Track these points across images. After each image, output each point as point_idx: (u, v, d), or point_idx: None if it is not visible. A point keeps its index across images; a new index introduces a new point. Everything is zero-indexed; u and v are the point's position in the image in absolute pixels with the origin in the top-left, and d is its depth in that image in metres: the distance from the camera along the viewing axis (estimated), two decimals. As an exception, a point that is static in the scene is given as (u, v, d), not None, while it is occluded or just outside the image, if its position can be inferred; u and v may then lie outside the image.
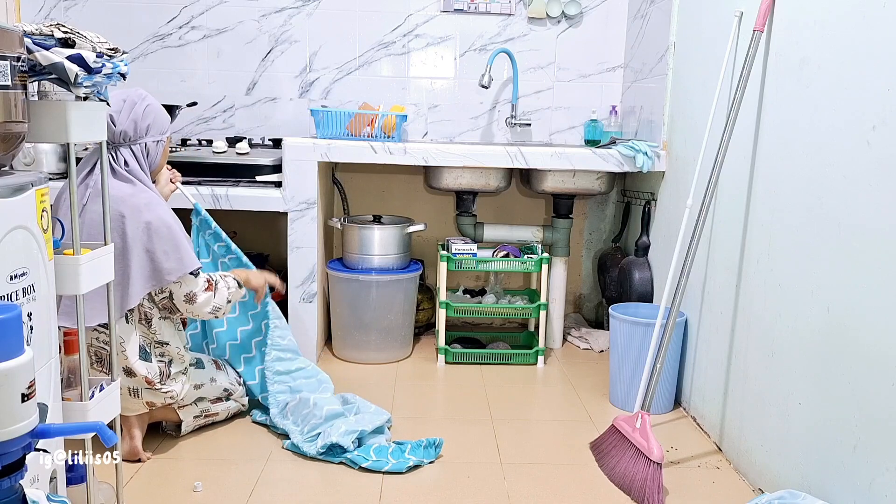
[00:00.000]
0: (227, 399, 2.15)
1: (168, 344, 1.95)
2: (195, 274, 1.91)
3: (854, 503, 1.44)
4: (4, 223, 1.13)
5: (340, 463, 1.95)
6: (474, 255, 2.81)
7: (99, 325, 1.80)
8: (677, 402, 2.42)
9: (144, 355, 1.90)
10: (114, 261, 1.57)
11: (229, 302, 2.00)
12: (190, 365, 2.03)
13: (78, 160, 1.77)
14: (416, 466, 1.93)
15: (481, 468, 1.95)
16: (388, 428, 2.13)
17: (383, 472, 1.90)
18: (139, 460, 1.93)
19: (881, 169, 1.40)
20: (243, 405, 2.20)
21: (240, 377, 2.23)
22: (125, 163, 1.87)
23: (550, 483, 1.88)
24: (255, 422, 2.19)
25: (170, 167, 2.18)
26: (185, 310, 1.93)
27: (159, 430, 2.08)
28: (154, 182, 1.97)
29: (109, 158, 1.85)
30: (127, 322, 1.87)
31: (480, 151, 2.68)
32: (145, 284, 1.83)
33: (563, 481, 1.89)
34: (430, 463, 1.97)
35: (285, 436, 2.07)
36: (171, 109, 2.76)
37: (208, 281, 1.96)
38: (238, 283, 2.05)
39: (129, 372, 1.88)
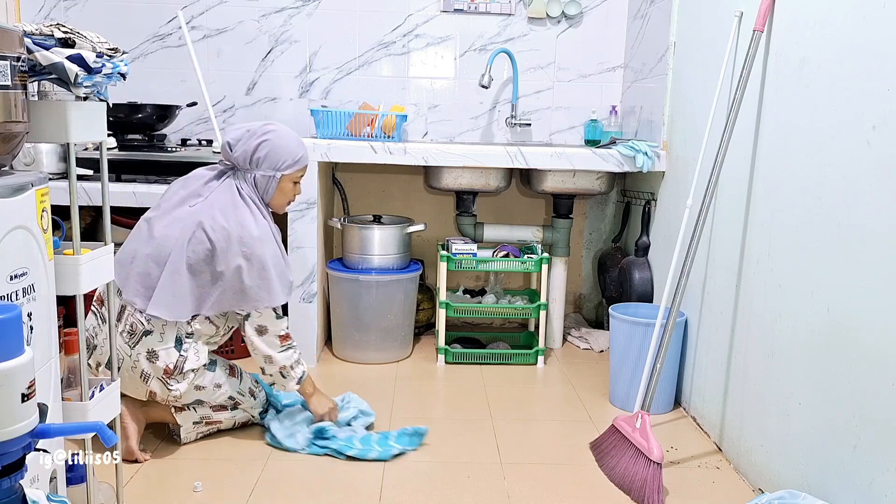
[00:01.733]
0: (234, 408, 2.07)
1: (192, 336, 1.95)
2: (278, 316, 1.98)
3: (854, 503, 1.44)
4: (4, 223, 1.13)
5: (325, 455, 1.97)
6: (474, 255, 2.81)
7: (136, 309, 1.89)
8: (677, 402, 2.42)
9: (178, 345, 1.91)
10: (207, 266, 1.88)
11: (282, 375, 2.00)
12: (203, 365, 1.98)
13: (78, 160, 1.77)
14: (400, 454, 1.97)
15: (481, 468, 1.95)
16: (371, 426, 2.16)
17: (368, 460, 1.93)
18: (136, 461, 1.92)
19: (881, 169, 1.40)
20: (253, 416, 2.11)
21: (257, 386, 2.13)
22: (242, 186, 1.98)
23: (550, 483, 1.88)
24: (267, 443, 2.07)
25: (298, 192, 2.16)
26: (249, 336, 1.97)
27: (160, 431, 2.08)
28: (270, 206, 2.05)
29: (235, 182, 1.98)
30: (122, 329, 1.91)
31: (480, 151, 2.68)
32: (229, 303, 1.93)
33: (563, 481, 1.89)
34: (414, 451, 2.00)
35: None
36: (171, 109, 2.77)
37: (287, 336, 2.00)
38: (299, 380, 2.03)
39: (152, 355, 1.89)
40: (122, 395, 2.05)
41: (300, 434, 2.04)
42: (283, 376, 2.00)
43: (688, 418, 2.33)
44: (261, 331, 1.97)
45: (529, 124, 3.18)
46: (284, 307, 2.30)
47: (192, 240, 1.89)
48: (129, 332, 1.90)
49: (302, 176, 2.08)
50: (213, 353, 2.08)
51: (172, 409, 1.99)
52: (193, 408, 2.01)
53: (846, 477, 1.47)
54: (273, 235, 1.99)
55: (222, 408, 2.06)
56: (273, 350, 1.98)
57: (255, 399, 2.10)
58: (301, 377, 2.03)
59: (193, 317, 1.93)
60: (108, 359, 1.82)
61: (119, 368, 1.89)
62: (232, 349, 2.73)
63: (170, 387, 1.91)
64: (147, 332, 1.89)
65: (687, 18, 2.51)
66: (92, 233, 2.75)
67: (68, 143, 1.30)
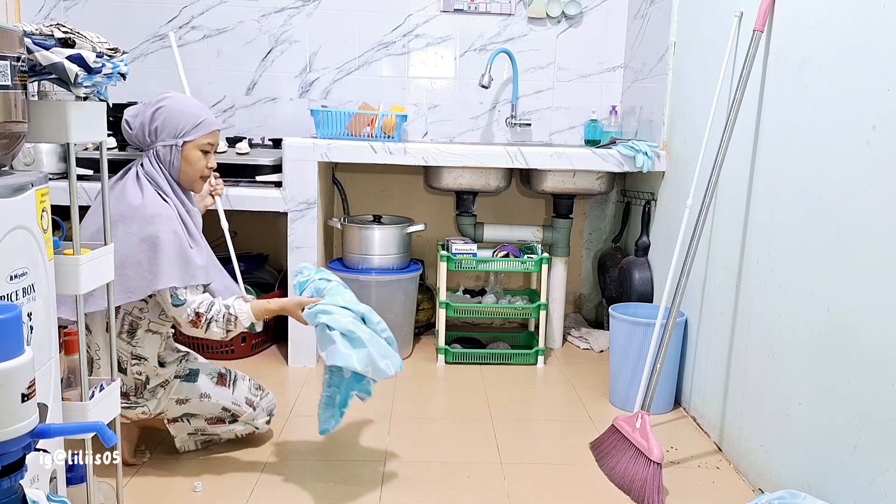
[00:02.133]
0: (233, 421, 1.98)
1: (146, 360, 1.84)
2: (176, 302, 1.77)
3: (854, 503, 1.44)
4: (4, 223, 1.13)
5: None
6: (474, 255, 2.81)
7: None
8: (677, 402, 2.42)
9: (120, 368, 1.80)
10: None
11: (227, 333, 1.83)
12: (178, 377, 1.91)
13: (78, 160, 1.76)
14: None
15: (481, 468, 1.95)
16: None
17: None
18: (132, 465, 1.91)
19: (881, 169, 1.40)
20: (256, 427, 2.01)
21: (258, 393, 2.02)
22: (143, 170, 1.82)
23: (550, 483, 1.88)
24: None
25: (216, 175, 2.05)
26: (186, 331, 1.83)
27: (160, 432, 2.08)
28: (187, 190, 1.89)
29: (136, 167, 1.83)
30: (106, 331, 1.76)
31: (480, 151, 2.68)
32: (119, 297, 1.73)
33: (563, 481, 1.89)
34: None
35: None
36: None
37: (198, 317, 1.79)
38: (251, 327, 1.84)
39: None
40: None
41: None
42: (228, 333, 1.82)
43: (688, 418, 2.33)
44: (174, 323, 1.83)
45: (529, 124, 3.18)
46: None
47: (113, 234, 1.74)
48: (128, 332, 1.84)
49: (211, 144, 1.88)
50: (201, 363, 2.00)
51: (165, 420, 1.93)
52: (186, 419, 1.94)
53: (846, 477, 1.47)
54: (172, 215, 1.79)
55: (219, 421, 1.96)
56: (201, 333, 1.81)
57: (254, 409, 1.99)
58: (250, 326, 1.83)
59: (130, 333, 1.82)
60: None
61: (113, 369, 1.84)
62: (232, 349, 2.73)
63: (135, 408, 1.85)
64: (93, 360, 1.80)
65: (687, 18, 2.51)
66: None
67: (68, 143, 1.30)
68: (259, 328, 1.89)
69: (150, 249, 1.74)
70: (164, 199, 1.81)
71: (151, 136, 1.82)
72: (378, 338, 1.81)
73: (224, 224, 2.47)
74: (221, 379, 1.98)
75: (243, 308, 1.83)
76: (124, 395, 1.81)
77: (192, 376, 1.93)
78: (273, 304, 1.88)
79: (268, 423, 2.05)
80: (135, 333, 1.82)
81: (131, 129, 1.84)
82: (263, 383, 2.10)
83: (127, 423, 1.90)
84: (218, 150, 2.60)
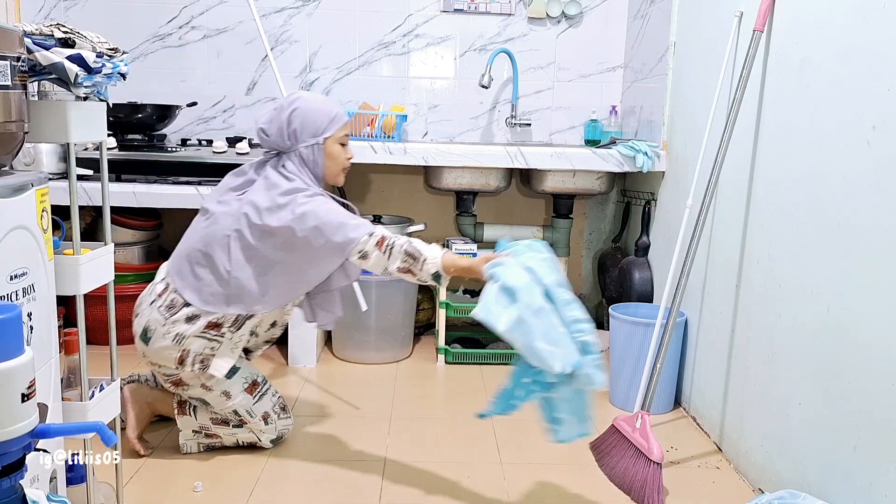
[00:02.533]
0: (238, 426, 1.97)
1: (223, 334, 1.87)
2: (367, 234, 1.76)
3: (854, 503, 1.44)
4: (4, 223, 1.13)
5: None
6: (474, 255, 2.81)
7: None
8: (677, 402, 2.42)
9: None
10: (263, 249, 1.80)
11: (413, 272, 1.76)
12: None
13: (78, 160, 1.76)
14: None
15: (481, 468, 1.95)
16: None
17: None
18: (135, 451, 1.93)
19: (881, 169, 1.40)
20: (260, 440, 1.99)
21: (280, 413, 2.01)
22: (284, 168, 1.86)
23: (550, 483, 1.88)
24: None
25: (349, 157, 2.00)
26: (360, 264, 1.83)
27: (160, 432, 2.08)
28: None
29: (277, 167, 1.87)
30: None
31: (480, 151, 2.68)
32: (310, 259, 1.87)
33: (563, 481, 1.89)
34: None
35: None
36: (171, 109, 2.77)
37: (381, 240, 1.76)
38: (435, 275, 1.75)
39: (193, 318, 1.84)
40: (134, 382, 2.05)
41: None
42: (414, 272, 1.77)
43: (688, 418, 2.33)
44: (364, 254, 1.78)
45: (529, 124, 3.18)
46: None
47: (240, 230, 1.82)
48: (167, 307, 1.85)
49: (346, 136, 1.93)
50: (244, 362, 2.00)
51: (175, 410, 1.96)
52: (193, 411, 1.96)
53: (846, 477, 1.47)
54: (322, 193, 1.86)
55: (224, 422, 1.96)
56: (384, 259, 1.76)
57: (266, 424, 1.97)
58: (435, 275, 1.75)
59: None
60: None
61: (150, 338, 1.85)
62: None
63: (212, 346, 1.86)
64: (188, 304, 1.85)
65: (687, 18, 2.51)
66: (92, 233, 2.75)
67: (68, 143, 1.30)
68: (445, 282, 1.80)
69: (328, 213, 1.78)
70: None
71: (292, 139, 1.87)
72: (553, 317, 1.51)
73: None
74: (252, 386, 1.97)
75: (434, 252, 1.76)
76: (209, 326, 1.85)
77: (232, 371, 1.92)
78: (464, 260, 1.76)
79: (274, 442, 2.02)
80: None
81: (268, 135, 1.87)
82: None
83: (144, 401, 1.94)
84: (218, 151, 2.62)
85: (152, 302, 1.88)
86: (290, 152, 1.88)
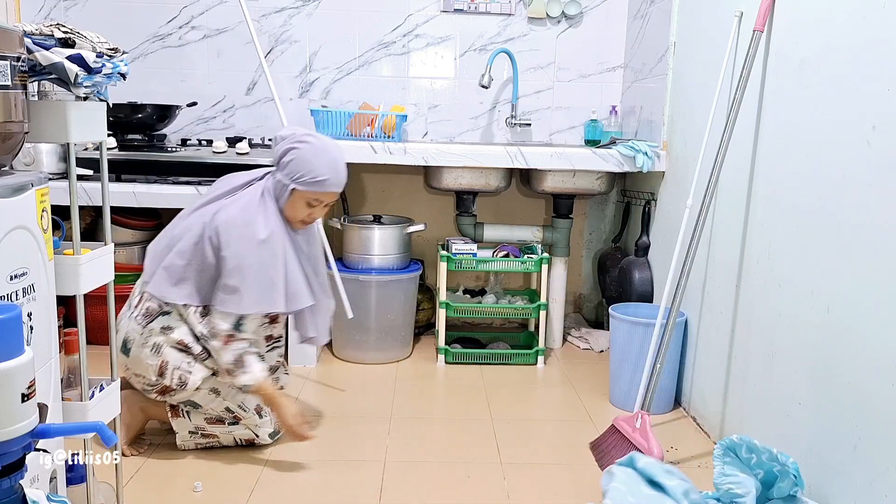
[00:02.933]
0: (234, 423, 1.98)
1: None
2: (231, 319, 1.85)
3: (854, 503, 1.44)
4: (4, 223, 1.13)
5: None
6: (474, 255, 2.81)
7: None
8: (677, 402, 2.42)
9: (240, 325, 1.87)
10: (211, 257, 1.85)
11: (228, 374, 1.87)
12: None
13: (78, 160, 1.76)
14: None
15: (481, 468, 1.95)
16: None
17: None
18: (137, 452, 1.95)
19: (881, 169, 1.40)
20: (257, 436, 1.99)
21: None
22: (269, 186, 1.93)
23: (550, 483, 1.88)
24: None
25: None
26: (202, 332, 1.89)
27: (160, 431, 2.08)
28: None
29: (264, 181, 1.95)
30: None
31: (480, 151, 2.68)
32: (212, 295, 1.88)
33: (563, 481, 1.89)
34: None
35: None
36: (171, 109, 2.77)
37: (229, 337, 1.85)
38: (244, 387, 1.88)
39: (167, 329, 1.88)
40: (125, 388, 2.05)
41: None
42: (230, 375, 1.86)
43: (688, 418, 2.33)
44: (213, 333, 1.87)
45: (529, 124, 3.18)
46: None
47: (204, 232, 1.87)
48: (144, 315, 1.90)
49: (320, 202, 1.93)
50: None
51: (169, 413, 1.95)
52: (187, 413, 1.96)
53: (846, 477, 1.47)
54: (278, 245, 1.88)
55: (219, 421, 1.97)
56: (218, 346, 1.85)
57: (260, 417, 1.98)
58: (244, 385, 1.87)
59: (204, 308, 1.89)
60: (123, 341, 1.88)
61: (130, 349, 1.89)
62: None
63: (188, 360, 1.88)
64: (164, 313, 1.89)
65: (687, 18, 2.51)
66: (92, 233, 2.75)
67: (68, 143, 1.30)
68: (245, 400, 1.95)
69: (241, 272, 1.83)
70: (279, 225, 1.90)
71: (279, 166, 1.92)
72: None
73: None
74: None
75: (259, 368, 1.88)
76: (180, 343, 1.90)
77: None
78: (273, 390, 1.92)
79: (272, 437, 2.01)
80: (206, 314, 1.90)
81: (274, 145, 1.94)
82: None
83: (136, 407, 1.94)
84: (218, 151, 2.62)
85: (130, 314, 1.92)
86: (276, 172, 1.94)
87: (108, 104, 1.44)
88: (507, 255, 2.85)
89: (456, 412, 2.35)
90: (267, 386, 1.90)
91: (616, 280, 2.97)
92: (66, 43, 1.31)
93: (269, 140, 2.96)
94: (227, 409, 1.96)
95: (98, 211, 2.53)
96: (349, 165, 3.02)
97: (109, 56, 1.38)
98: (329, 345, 2.92)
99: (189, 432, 1.97)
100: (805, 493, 1.49)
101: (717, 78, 2.11)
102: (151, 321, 1.89)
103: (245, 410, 1.96)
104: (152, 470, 1.89)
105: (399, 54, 3.15)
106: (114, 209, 2.61)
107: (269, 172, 1.98)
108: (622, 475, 1.53)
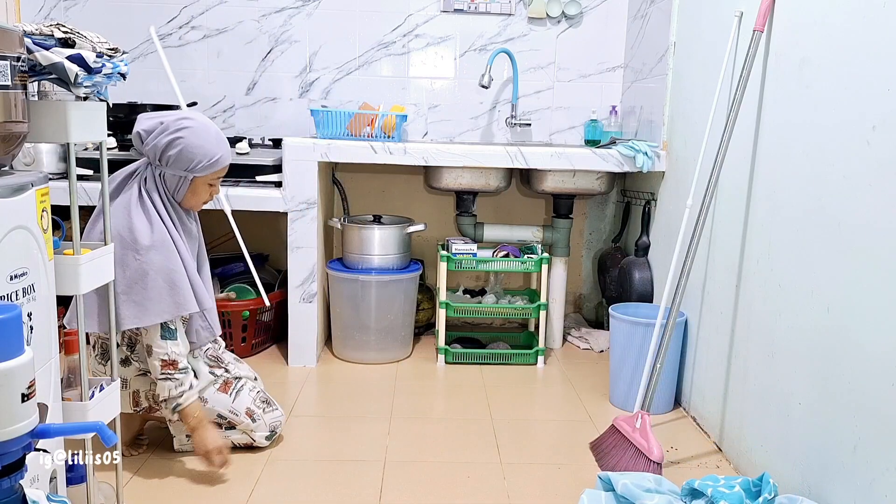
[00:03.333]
0: (229, 428, 1.96)
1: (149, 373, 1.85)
2: (163, 336, 1.77)
3: (854, 503, 1.44)
4: (4, 223, 1.13)
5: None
6: (474, 255, 2.81)
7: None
8: (677, 402, 2.42)
9: (169, 334, 1.80)
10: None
11: (164, 401, 1.81)
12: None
13: (78, 160, 1.76)
14: None
15: (481, 468, 1.95)
16: None
17: None
18: (137, 451, 1.95)
19: (881, 169, 1.40)
20: (254, 440, 1.97)
21: (263, 406, 1.99)
22: (146, 185, 1.80)
23: (550, 483, 1.88)
24: None
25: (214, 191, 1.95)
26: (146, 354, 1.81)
27: (160, 431, 2.08)
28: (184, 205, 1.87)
29: (138, 181, 1.81)
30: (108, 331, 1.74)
31: (480, 151, 2.68)
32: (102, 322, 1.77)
33: (563, 481, 1.89)
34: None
35: None
36: (172, 109, 2.76)
37: (171, 363, 1.78)
38: (175, 406, 1.80)
39: (124, 361, 1.85)
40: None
41: None
42: (164, 402, 1.81)
43: (688, 418, 2.33)
44: (148, 350, 1.78)
45: (529, 124, 3.18)
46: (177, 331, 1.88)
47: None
48: (100, 355, 1.86)
49: (219, 178, 1.88)
50: (207, 364, 1.97)
51: (167, 418, 1.94)
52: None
53: (846, 477, 1.47)
54: (170, 244, 1.78)
55: (216, 426, 1.93)
56: (155, 374, 1.79)
57: (254, 421, 1.96)
58: (175, 407, 1.80)
59: (130, 347, 1.84)
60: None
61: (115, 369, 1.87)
62: (231, 349, 2.73)
63: (152, 385, 1.84)
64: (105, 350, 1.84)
65: (687, 18, 2.51)
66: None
67: (68, 143, 1.30)
68: (174, 417, 1.86)
69: (142, 280, 1.73)
70: (162, 221, 1.79)
71: (163, 162, 1.79)
72: None
73: (233, 223, 2.53)
74: (225, 385, 1.96)
75: (192, 392, 1.83)
76: (175, 364, 1.80)
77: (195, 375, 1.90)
78: (199, 413, 1.84)
79: (269, 438, 2.00)
80: (134, 348, 1.86)
81: (143, 143, 1.79)
82: (273, 397, 2.06)
83: (131, 413, 1.92)
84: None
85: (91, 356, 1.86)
86: (156, 168, 1.81)
87: (108, 104, 1.44)
88: (507, 255, 2.85)
89: (456, 412, 2.35)
90: (196, 407, 1.83)
91: (616, 280, 2.97)
92: (66, 43, 1.31)
93: (270, 140, 2.96)
94: (220, 416, 1.95)
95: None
96: (349, 165, 3.04)
97: (109, 56, 1.38)
98: (329, 345, 2.92)
99: (187, 435, 1.95)
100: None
101: (717, 78, 2.11)
102: (110, 359, 1.75)
103: (237, 415, 1.96)
104: (152, 470, 1.89)
105: (399, 54, 3.15)
106: (114, 209, 2.60)
107: (138, 169, 1.84)
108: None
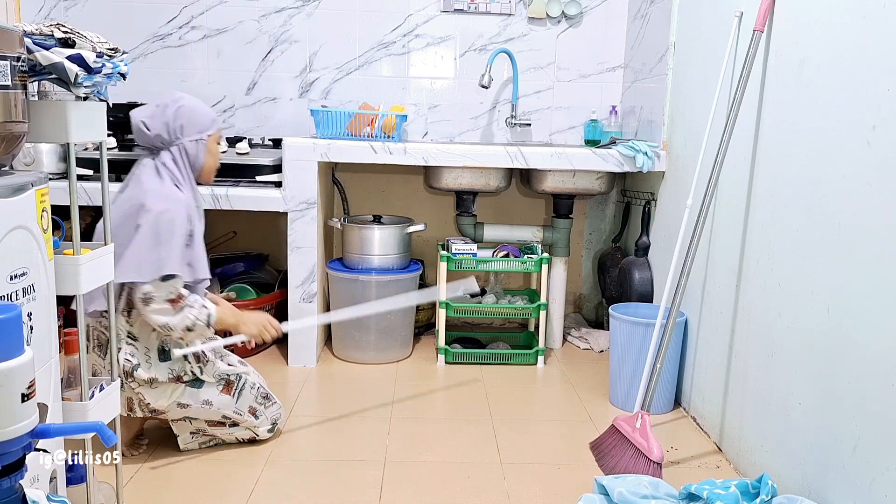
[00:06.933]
0: (233, 425, 2.00)
1: (137, 340, 1.86)
2: (164, 279, 1.79)
3: (854, 503, 1.44)
4: (4, 223, 1.13)
5: None
6: (474, 255, 2.81)
7: (103, 311, 1.80)
8: (677, 402, 2.42)
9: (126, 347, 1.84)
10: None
11: (189, 330, 1.85)
12: (185, 381, 1.91)
13: (78, 160, 1.77)
14: None
15: (481, 468, 1.95)
16: None
17: None
18: (137, 451, 1.95)
19: (881, 169, 1.40)
20: (257, 434, 2.02)
21: (263, 402, 2.02)
22: (163, 164, 1.89)
23: (550, 483, 1.88)
24: None
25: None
26: (139, 308, 1.81)
27: (160, 431, 2.08)
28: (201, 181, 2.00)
29: (154, 162, 1.90)
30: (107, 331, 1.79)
31: (480, 151, 2.68)
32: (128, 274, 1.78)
33: (563, 481, 1.89)
34: None
35: None
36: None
37: (178, 297, 1.82)
38: (208, 322, 1.87)
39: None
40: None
41: None
42: (190, 330, 1.85)
43: (688, 418, 2.33)
44: (149, 299, 1.79)
45: (529, 124, 3.18)
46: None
47: (128, 216, 1.83)
48: (98, 346, 1.87)
49: (222, 137, 2.06)
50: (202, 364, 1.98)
51: (169, 419, 1.96)
52: (188, 420, 1.96)
53: (846, 477, 1.47)
54: (193, 210, 1.90)
55: (219, 423, 1.99)
56: (166, 317, 1.81)
57: (256, 418, 2.01)
58: (207, 323, 1.87)
59: (127, 311, 1.85)
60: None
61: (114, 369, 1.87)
62: (232, 349, 2.72)
63: (132, 386, 1.85)
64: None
65: (687, 18, 2.51)
66: (92, 233, 2.74)
67: (68, 143, 1.30)
68: (211, 332, 1.96)
69: (165, 232, 1.80)
70: (181, 191, 1.89)
71: (176, 134, 1.90)
72: None
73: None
74: (227, 387, 1.98)
75: (206, 311, 1.88)
76: (127, 373, 1.85)
77: (197, 382, 1.93)
78: (230, 311, 2.00)
79: (270, 431, 2.05)
80: (130, 313, 1.86)
81: (149, 129, 1.88)
82: (271, 391, 2.08)
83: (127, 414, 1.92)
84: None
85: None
86: (170, 147, 1.91)
87: (108, 104, 1.44)
88: (507, 255, 2.85)
89: (456, 412, 2.35)
90: (224, 315, 1.95)
91: (616, 280, 2.97)
92: (66, 43, 1.31)
93: (270, 140, 2.96)
94: (225, 416, 1.97)
95: (98, 211, 2.53)
96: (349, 165, 3.04)
97: (109, 56, 1.38)
98: (329, 345, 2.92)
99: (190, 433, 1.98)
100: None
101: (717, 78, 2.11)
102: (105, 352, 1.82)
103: (241, 414, 1.98)
104: (152, 470, 1.89)
105: (399, 54, 3.15)
106: (114, 209, 2.60)
107: (140, 163, 1.92)
108: None
